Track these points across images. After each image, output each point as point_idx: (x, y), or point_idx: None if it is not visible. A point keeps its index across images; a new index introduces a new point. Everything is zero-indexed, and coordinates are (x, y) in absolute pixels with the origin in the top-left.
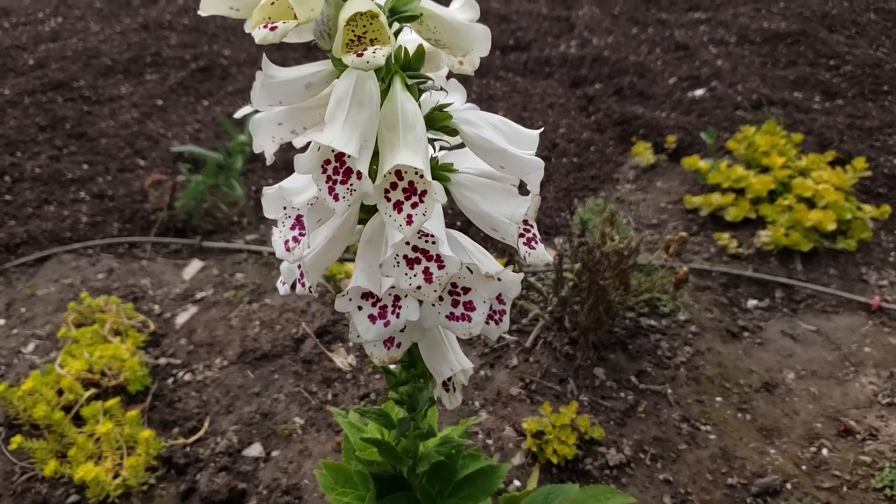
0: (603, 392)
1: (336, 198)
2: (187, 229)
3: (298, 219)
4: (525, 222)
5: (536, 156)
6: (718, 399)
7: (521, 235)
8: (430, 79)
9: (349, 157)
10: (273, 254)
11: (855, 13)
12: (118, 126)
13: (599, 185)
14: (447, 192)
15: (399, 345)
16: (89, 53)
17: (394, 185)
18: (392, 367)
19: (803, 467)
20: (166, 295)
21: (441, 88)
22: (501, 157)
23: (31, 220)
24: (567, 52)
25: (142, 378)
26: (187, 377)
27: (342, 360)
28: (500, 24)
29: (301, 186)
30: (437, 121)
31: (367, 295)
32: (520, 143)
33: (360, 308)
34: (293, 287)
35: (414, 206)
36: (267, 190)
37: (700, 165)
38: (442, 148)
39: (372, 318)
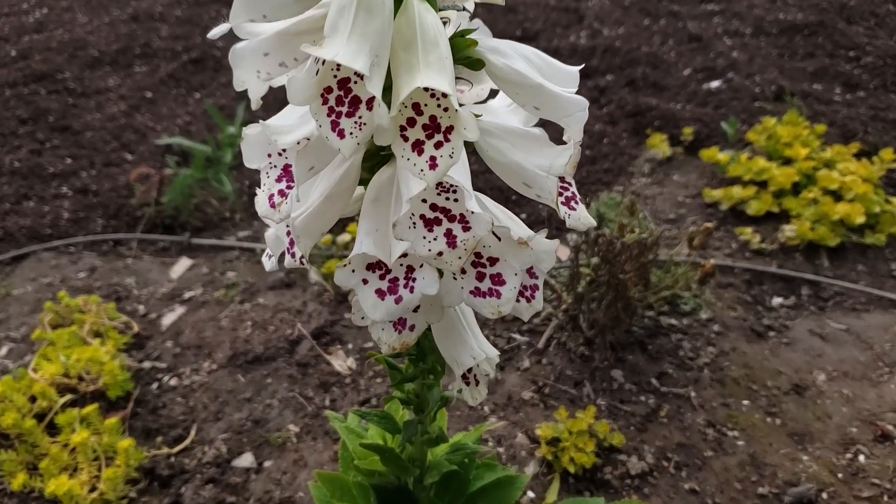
0: (622, 395)
1: (341, 134)
2: (175, 226)
3: (286, 168)
4: (562, 179)
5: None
6: (745, 402)
7: (559, 194)
8: None
9: (357, 79)
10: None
11: (873, 4)
12: (104, 119)
13: (613, 179)
14: (468, 143)
15: (413, 327)
16: (75, 45)
17: (411, 121)
18: (397, 360)
19: (839, 475)
20: (152, 295)
21: (463, 8)
22: (537, 94)
23: (8, 216)
24: (577, 43)
25: (123, 383)
26: (173, 382)
27: (341, 363)
28: (506, 15)
29: (292, 124)
30: (459, 49)
31: (374, 266)
32: (557, 80)
33: (365, 281)
34: (281, 260)
35: (438, 145)
36: (248, 130)
37: (719, 157)
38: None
39: (380, 293)
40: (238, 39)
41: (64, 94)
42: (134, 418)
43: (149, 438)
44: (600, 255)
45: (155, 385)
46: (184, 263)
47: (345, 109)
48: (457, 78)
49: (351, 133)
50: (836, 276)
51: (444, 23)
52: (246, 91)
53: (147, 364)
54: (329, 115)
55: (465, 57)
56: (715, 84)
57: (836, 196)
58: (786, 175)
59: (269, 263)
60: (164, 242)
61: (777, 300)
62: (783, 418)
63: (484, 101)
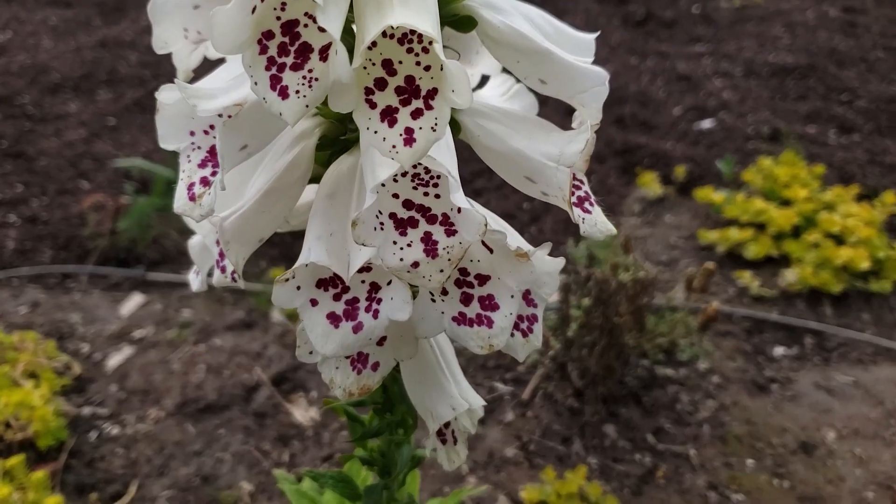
0: (615, 454)
1: (283, 93)
2: (130, 259)
3: (213, 150)
4: (573, 176)
5: None
6: (750, 462)
7: (571, 193)
8: None
9: (308, 21)
10: (232, 289)
11: (863, 50)
12: (62, 145)
13: None
14: (456, 124)
15: (376, 366)
16: (38, 69)
17: (381, 83)
18: (359, 409)
19: None
20: (99, 333)
21: None
22: (543, 62)
23: None
24: None
25: (56, 431)
26: (114, 431)
27: (302, 413)
28: None
29: (221, 87)
30: (442, 2)
31: (326, 281)
32: (568, 47)
33: (314, 302)
34: (210, 275)
35: (416, 114)
36: (163, 95)
37: (714, 198)
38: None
39: (334, 318)
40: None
41: (21, 119)
42: (67, 471)
43: (82, 495)
44: (593, 296)
45: (94, 434)
46: (136, 300)
47: (290, 60)
48: (441, 18)
49: (297, 92)
50: (841, 324)
51: None
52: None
53: (87, 410)
54: (269, 69)
55: (451, 14)
56: (706, 123)
57: (838, 240)
58: (785, 217)
59: (195, 282)
60: (117, 276)
61: (779, 350)
62: (792, 480)
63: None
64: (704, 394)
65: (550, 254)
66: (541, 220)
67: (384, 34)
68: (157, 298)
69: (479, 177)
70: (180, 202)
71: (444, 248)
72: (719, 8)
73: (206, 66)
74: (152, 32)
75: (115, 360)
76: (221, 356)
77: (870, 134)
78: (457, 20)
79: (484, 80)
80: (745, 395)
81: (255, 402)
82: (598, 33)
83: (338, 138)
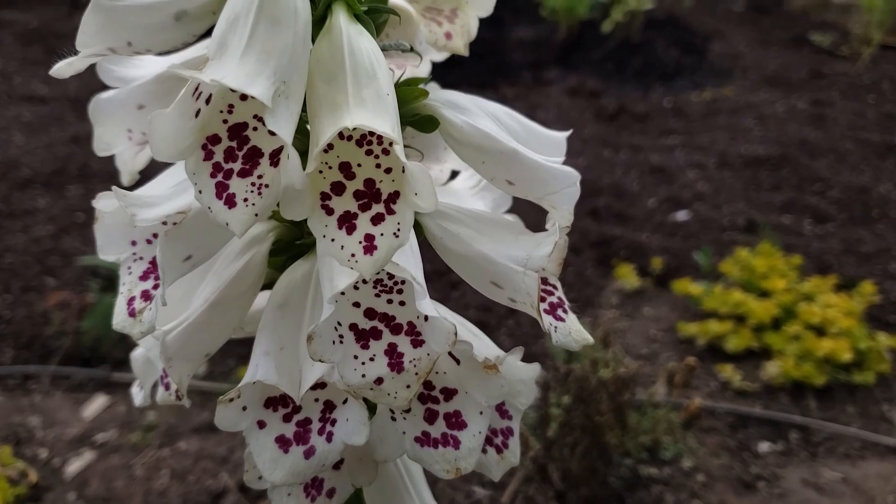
0: None
1: (230, 202)
2: (95, 358)
3: (156, 261)
4: (544, 280)
5: None
6: None
7: (541, 300)
8: (393, 12)
9: (258, 124)
10: (198, 391)
11: (832, 141)
12: (29, 241)
13: (580, 310)
14: (419, 225)
15: (331, 492)
16: (7, 165)
17: (338, 188)
18: None
19: None
20: (59, 437)
21: (412, 49)
22: (510, 162)
23: None
24: None
25: None
26: None
27: None
28: None
29: (163, 194)
30: (404, 101)
31: (276, 401)
32: (537, 147)
33: (261, 424)
34: (154, 390)
35: (377, 219)
36: (101, 204)
37: (692, 290)
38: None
39: (284, 442)
40: None
41: None
42: None
43: None
44: (573, 394)
45: None
46: (99, 401)
47: (237, 166)
48: (402, 116)
49: (245, 200)
50: (826, 418)
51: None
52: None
53: None
54: (214, 175)
55: (412, 113)
56: (681, 215)
57: (819, 331)
58: (765, 309)
59: (138, 396)
60: (81, 377)
61: (764, 446)
62: None
63: (444, 184)
64: (690, 493)
65: (528, 352)
66: (518, 313)
67: (341, 136)
68: (121, 399)
69: None
70: (119, 318)
71: (410, 361)
72: (690, 101)
73: (156, 168)
74: (94, 133)
75: (74, 466)
76: (186, 460)
77: (844, 223)
78: (418, 120)
79: (455, 171)
80: (731, 494)
81: None
82: (570, 131)
83: (293, 242)
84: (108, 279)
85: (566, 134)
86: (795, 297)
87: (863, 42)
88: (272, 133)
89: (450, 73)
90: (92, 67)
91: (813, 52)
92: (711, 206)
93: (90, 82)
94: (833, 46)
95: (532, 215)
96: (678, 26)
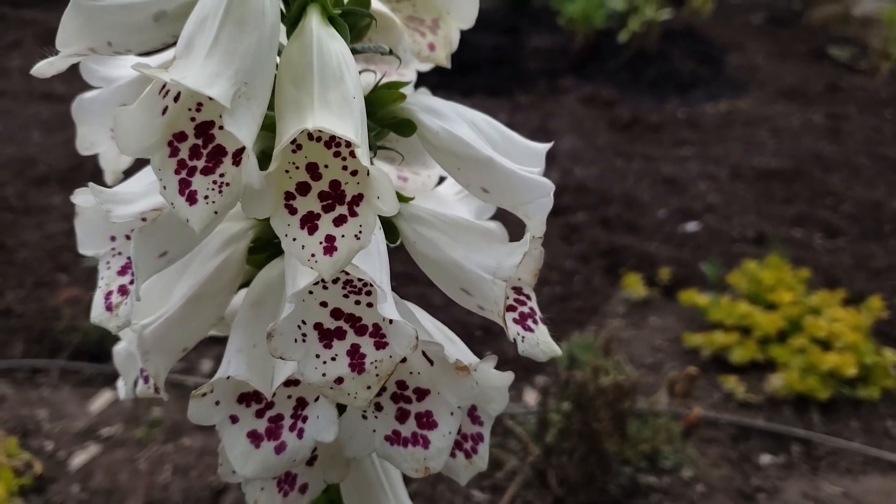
0: None
1: (192, 198)
2: (103, 354)
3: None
4: (517, 290)
5: None
6: None
7: (512, 308)
8: (371, 17)
9: (221, 124)
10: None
11: (847, 155)
12: (43, 237)
13: (586, 319)
14: (394, 228)
15: (304, 487)
16: (24, 162)
17: (303, 188)
18: None
19: None
20: (65, 430)
21: (390, 52)
22: (484, 170)
23: None
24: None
25: None
26: None
27: None
28: None
29: (140, 191)
30: (381, 104)
31: (249, 397)
32: (515, 156)
33: (234, 419)
34: (136, 385)
35: (339, 221)
36: (79, 199)
37: (699, 301)
38: None
39: (255, 437)
40: None
41: (4, 211)
42: None
43: None
44: (572, 400)
45: None
46: (106, 396)
47: (201, 164)
48: (379, 120)
49: (206, 197)
50: (829, 432)
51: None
52: None
53: None
54: (178, 172)
55: (390, 116)
56: (691, 226)
57: (825, 345)
58: (771, 321)
59: (122, 391)
60: (89, 372)
61: (766, 458)
62: None
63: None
64: (688, 502)
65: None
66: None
67: (310, 137)
68: None
69: None
70: (96, 312)
71: (371, 363)
72: (705, 113)
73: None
74: (77, 133)
75: (79, 458)
76: (190, 456)
77: (855, 238)
78: (396, 123)
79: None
80: None
81: None
82: (552, 143)
83: (273, 241)
84: None
85: (547, 146)
86: (802, 311)
87: (882, 56)
88: None
89: (465, 80)
90: None
91: (831, 66)
92: (722, 218)
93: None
94: (851, 61)
95: (517, 221)
96: (696, 38)
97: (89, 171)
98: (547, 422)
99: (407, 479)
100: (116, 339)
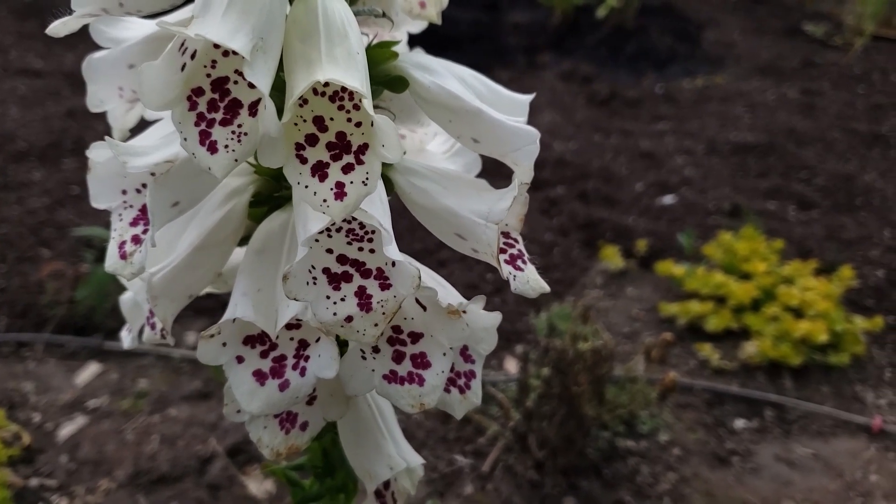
0: None
1: (212, 148)
2: (88, 327)
3: (145, 209)
4: (506, 234)
5: None
6: None
7: (502, 251)
8: None
9: (238, 78)
10: (189, 359)
11: (820, 130)
12: (24, 213)
13: (565, 290)
14: (389, 181)
15: (304, 425)
16: (3, 138)
17: (312, 139)
18: (300, 474)
19: None
20: (52, 403)
21: (383, 14)
22: (474, 121)
23: None
24: None
25: (1, 503)
26: (63, 503)
27: (257, 486)
28: None
29: (152, 144)
30: (375, 62)
31: (253, 338)
32: (501, 107)
33: (240, 359)
34: (141, 333)
35: (347, 168)
36: (94, 153)
37: (675, 271)
38: None
39: (260, 375)
40: None
41: None
42: None
43: None
44: (552, 366)
45: None
46: (92, 369)
47: (219, 116)
48: (373, 78)
49: (226, 146)
50: (801, 397)
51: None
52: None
53: (34, 481)
54: (198, 124)
55: (384, 74)
56: (668, 199)
57: (797, 313)
58: (745, 291)
59: (126, 339)
60: (74, 345)
61: (740, 422)
62: None
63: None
64: (665, 466)
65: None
66: (504, 291)
67: (315, 92)
68: (113, 368)
69: (443, 247)
70: (111, 261)
71: (378, 302)
72: (682, 88)
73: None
74: (87, 91)
75: (66, 430)
76: (176, 427)
77: (827, 210)
78: (390, 80)
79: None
80: (705, 468)
81: (210, 473)
82: (534, 95)
83: (272, 195)
84: (102, 250)
85: (529, 97)
86: (775, 280)
87: (855, 33)
88: (251, 86)
89: (444, 55)
90: (86, 45)
91: (806, 42)
92: (698, 191)
93: (85, 57)
94: (826, 37)
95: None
96: (673, 14)
97: (68, 147)
98: (527, 386)
99: None
100: (104, 313)
